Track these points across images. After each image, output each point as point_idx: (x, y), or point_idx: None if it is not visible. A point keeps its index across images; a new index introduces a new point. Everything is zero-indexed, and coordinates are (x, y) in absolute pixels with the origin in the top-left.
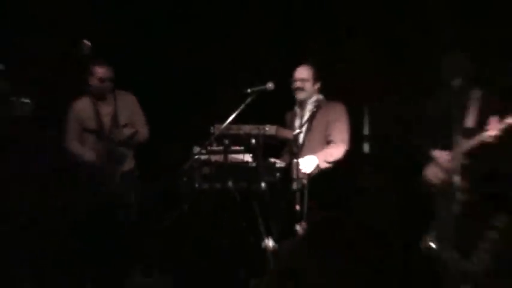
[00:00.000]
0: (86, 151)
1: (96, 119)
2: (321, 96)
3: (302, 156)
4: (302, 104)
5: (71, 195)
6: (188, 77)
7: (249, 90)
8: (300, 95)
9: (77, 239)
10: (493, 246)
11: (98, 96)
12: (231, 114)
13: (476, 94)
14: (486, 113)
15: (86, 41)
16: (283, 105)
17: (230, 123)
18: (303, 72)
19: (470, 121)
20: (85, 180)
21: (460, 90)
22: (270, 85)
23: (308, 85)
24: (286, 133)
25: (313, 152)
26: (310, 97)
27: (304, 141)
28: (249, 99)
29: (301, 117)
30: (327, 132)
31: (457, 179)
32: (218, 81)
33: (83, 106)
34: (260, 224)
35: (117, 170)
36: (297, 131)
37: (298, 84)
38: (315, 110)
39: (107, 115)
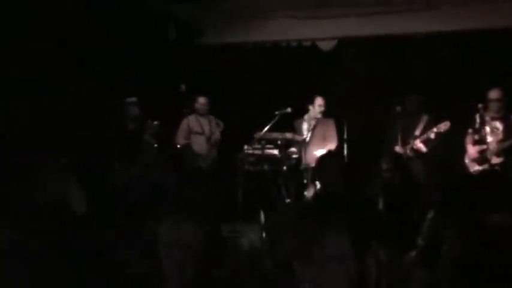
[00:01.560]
0: (183, 142)
1: (199, 125)
2: (320, 115)
3: (307, 148)
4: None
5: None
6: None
7: (276, 112)
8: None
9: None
10: None
11: (200, 114)
12: (266, 126)
13: (424, 118)
14: (428, 127)
15: (182, 86)
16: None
17: (266, 131)
18: (321, 101)
19: (418, 132)
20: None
21: (401, 114)
22: (289, 109)
23: (323, 108)
24: (297, 137)
25: (315, 146)
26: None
27: (310, 139)
28: (276, 118)
29: (310, 125)
30: (325, 134)
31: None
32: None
33: (192, 119)
34: (283, 190)
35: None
36: (304, 136)
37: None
38: (315, 123)
39: (206, 125)
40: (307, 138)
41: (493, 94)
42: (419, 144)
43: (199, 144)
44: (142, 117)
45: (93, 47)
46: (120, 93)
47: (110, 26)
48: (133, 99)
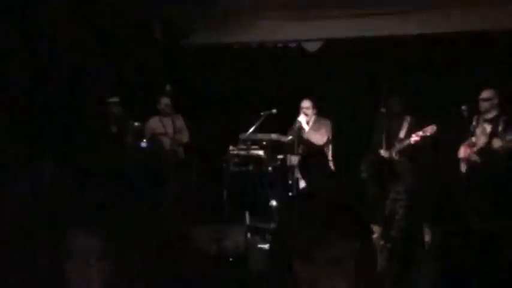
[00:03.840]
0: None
1: (162, 127)
2: (304, 117)
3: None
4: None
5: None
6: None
7: (261, 113)
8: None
9: None
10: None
11: (163, 115)
12: (251, 126)
13: (407, 119)
14: (412, 129)
15: (168, 86)
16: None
17: (251, 132)
18: (308, 103)
19: (402, 134)
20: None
21: (385, 115)
22: (274, 110)
23: (310, 111)
24: (282, 138)
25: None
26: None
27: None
28: (261, 119)
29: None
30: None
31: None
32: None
33: (153, 121)
34: (268, 191)
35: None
36: (289, 137)
37: (305, 111)
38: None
39: (169, 125)
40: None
41: (482, 94)
42: (416, 138)
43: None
44: (125, 117)
45: (76, 46)
46: (103, 92)
47: (95, 25)
48: (116, 99)
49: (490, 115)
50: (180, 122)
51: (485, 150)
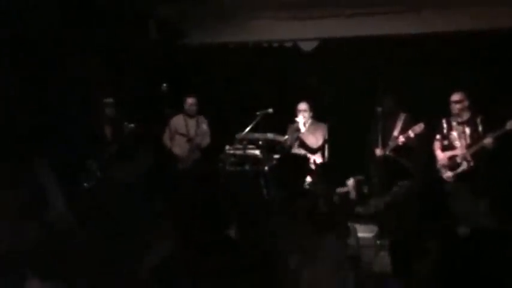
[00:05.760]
0: (171, 145)
1: (185, 127)
2: (302, 119)
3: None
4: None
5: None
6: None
7: (257, 113)
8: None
9: None
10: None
11: (188, 115)
12: (247, 126)
13: (402, 117)
14: (406, 126)
15: (164, 86)
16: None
17: (247, 132)
18: (304, 106)
19: (396, 132)
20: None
21: (381, 115)
22: (270, 110)
23: (307, 113)
24: (278, 138)
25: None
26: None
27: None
28: (257, 118)
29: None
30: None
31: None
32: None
33: (178, 118)
34: (263, 189)
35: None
36: (286, 137)
37: (302, 113)
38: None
39: (192, 126)
40: (289, 141)
41: (452, 97)
42: (402, 139)
43: (181, 146)
44: (119, 119)
45: (71, 46)
46: (97, 93)
47: (89, 24)
48: (110, 100)
49: (464, 117)
50: (205, 126)
51: (479, 151)
